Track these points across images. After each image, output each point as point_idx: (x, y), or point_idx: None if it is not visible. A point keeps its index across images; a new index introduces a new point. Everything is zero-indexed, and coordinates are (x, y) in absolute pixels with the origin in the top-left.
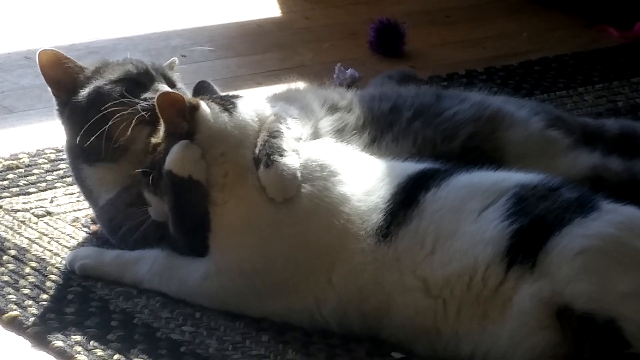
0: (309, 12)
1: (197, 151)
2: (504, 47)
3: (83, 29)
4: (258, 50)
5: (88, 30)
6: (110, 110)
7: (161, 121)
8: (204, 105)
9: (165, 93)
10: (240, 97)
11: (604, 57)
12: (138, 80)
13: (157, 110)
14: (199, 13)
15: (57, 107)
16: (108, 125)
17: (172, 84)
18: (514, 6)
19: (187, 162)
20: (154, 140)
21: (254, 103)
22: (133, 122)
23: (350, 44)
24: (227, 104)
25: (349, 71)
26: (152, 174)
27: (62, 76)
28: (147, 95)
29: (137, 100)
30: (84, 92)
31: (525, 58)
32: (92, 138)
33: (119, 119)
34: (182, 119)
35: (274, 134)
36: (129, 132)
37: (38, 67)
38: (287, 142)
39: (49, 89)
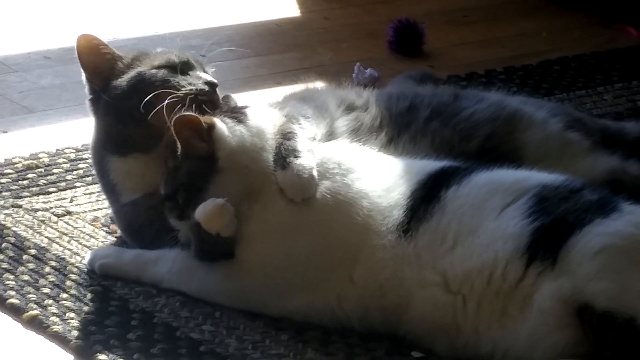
0: (328, 12)
1: (230, 211)
2: (523, 47)
3: (102, 29)
4: (277, 50)
5: (107, 30)
6: (155, 94)
7: (178, 143)
8: (220, 123)
9: (181, 116)
10: (247, 106)
11: (623, 57)
12: (181, 69)
13: (174, 133)
14: (218, 13)
15: (89, 96)
16: (158, 108)
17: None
18: (532, 6)
19: (218, 221)
20: (170, 163)
21: (261, 108)
22: (184, 106)
23: (369, 44)
24: (239, 115)
25: (368, 71)
26: (175, 199)
27: (99, 62)
28: (192, 80)
29: (183, 84)
30: (124, 78)
31: (544, 57)
32: (129, 125)
33: (169, 102)
34: (200, 140)
35: (287, 136)
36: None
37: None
38: (301, 142)
39: (83, 76)
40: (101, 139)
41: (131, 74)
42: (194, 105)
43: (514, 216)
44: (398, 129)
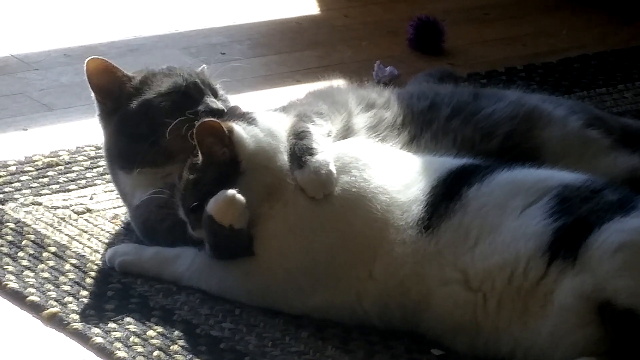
0: (347, 10)
1: (242, 203)
2: (543, 45)
3: (123, 26)
4: (297, 48)
5: (128, 28)
6: (159, 125)
7: (199, 153)
8: (237, 126)
9: (203, 123)
10: (253, 112)
11: None
12: (187, 93)
13: (196, 142)
14: (239, 11)
15: (99, 113)
16: (154, 138)
17: (215, 93)
18: (553, 3)
19: (230, 213)
20: (191, 176)
21: (267, 113)
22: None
23: (389, 42)
24: (249, 119)
25: (388, 69)
26: (202, 209)
27: (109, 84)
28: (199, 108)
29: (185, 117)
30: (134, 104)
31: (564, 55)
32: (141, 146)
33: (174, 134)
34: (222, 145)
35: (301, 135)
36: (171, 141)
37: (85, 75)
38: (316, 139)
39: (93, 95)
40: (111, 153)
41: (139, 101)
42: None
43: (535, 215)
44: (420, 127)
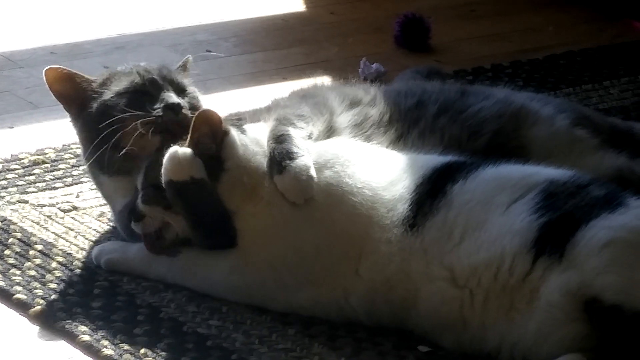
0: (333, 7)
1: (188, 152)
2: (529, 41)
3: (109, 24)
4: (283, 45)
5: (114, 25)
6: (116, 124)
7: (187, 138)
8: (234, 131)
9: (206, 111)
10: (242, 119)
11: (629, 51)
12: (144, 91)
13: (191, 127)
14: (225, 8)
15: (70, 120)
16: (115, 139)
17: (181, 89)
18: (539, 0)
19: (184, 165)
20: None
21: (253, 124)
22: (144, 132)
23: (376, 39)
24: (241, 129)
25: (374, 66)
26: (158, 191)
27: (70, 91)
28: (155, 105)
29: (138, 113)
30: (93, 106)
31: (550, 52)
32: (104, 150)
33: (124, 132)
34: (212, 141)
35: (280, 139)
36: (131, 142)
37: (46, 85)
38: (296, 143)
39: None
40: (86, 157)
41: (98, 103)
42: (159, 130)
43: (521, 211)
44: (407, 125)
